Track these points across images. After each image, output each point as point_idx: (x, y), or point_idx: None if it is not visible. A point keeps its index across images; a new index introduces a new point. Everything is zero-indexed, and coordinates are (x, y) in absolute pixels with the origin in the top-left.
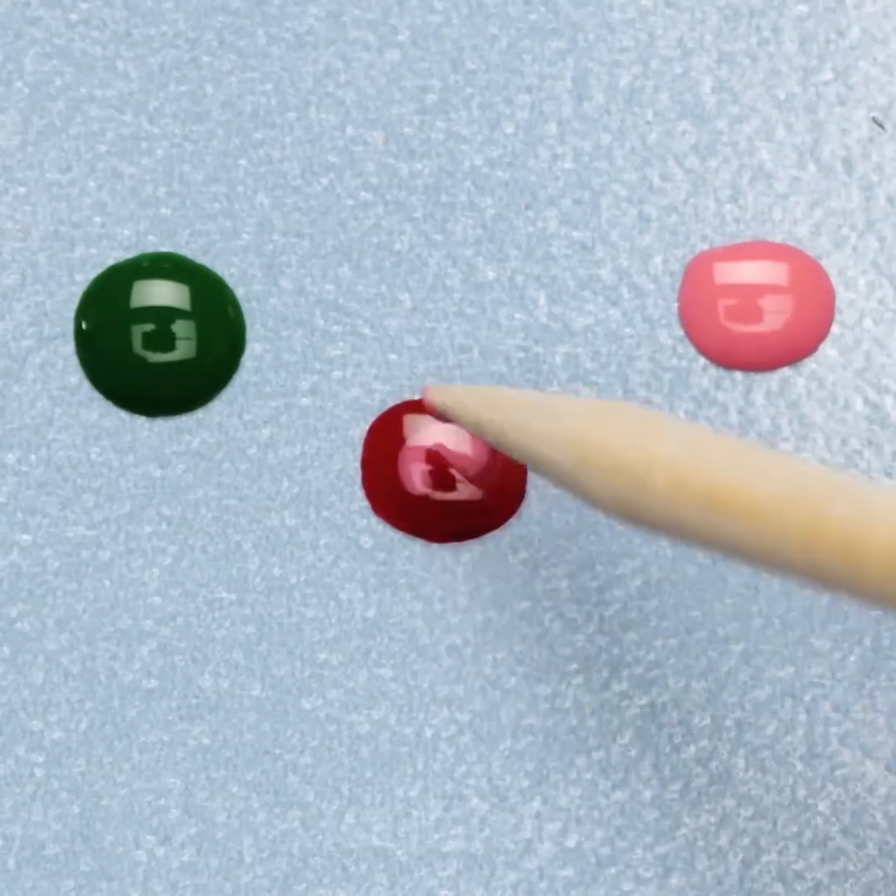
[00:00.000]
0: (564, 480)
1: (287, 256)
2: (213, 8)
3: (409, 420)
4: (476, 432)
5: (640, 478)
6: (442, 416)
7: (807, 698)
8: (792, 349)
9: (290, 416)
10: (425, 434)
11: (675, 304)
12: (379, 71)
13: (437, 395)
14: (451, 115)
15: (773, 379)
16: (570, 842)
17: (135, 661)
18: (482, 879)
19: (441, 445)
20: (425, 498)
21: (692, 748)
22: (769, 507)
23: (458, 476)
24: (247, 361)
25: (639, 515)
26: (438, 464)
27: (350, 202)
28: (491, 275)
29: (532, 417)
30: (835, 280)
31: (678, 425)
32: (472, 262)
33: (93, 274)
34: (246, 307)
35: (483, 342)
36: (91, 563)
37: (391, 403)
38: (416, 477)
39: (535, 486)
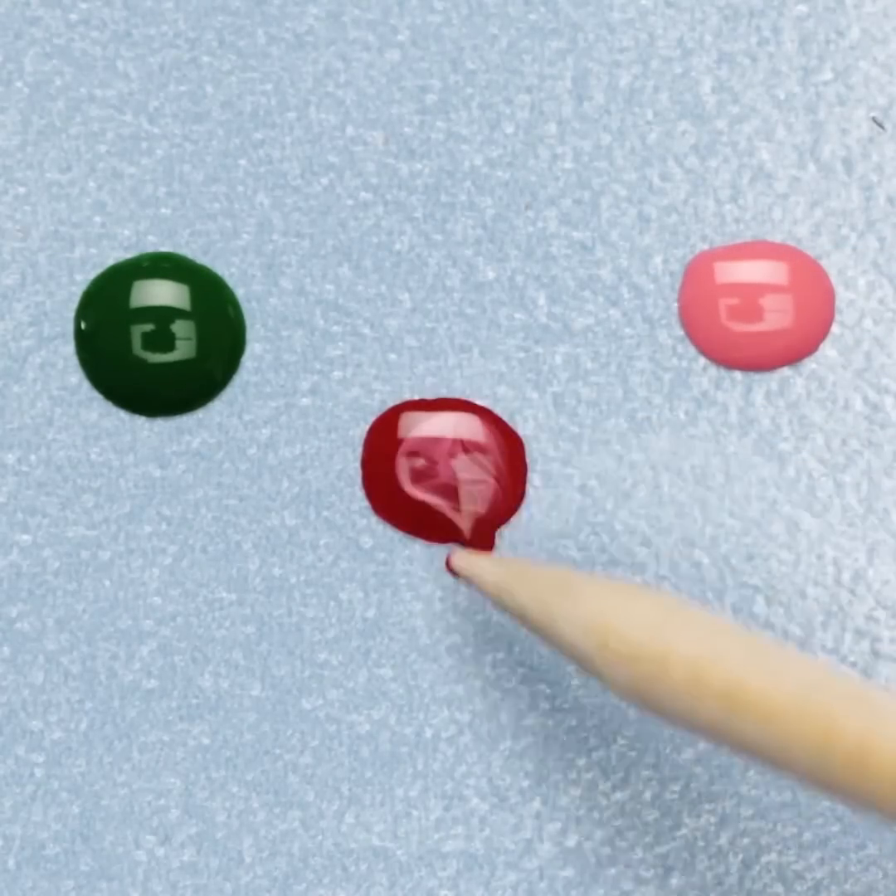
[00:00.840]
0: (582, 662)
1: (287, 256)
2: (213, 8)
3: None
4: (497, 604)
5: (657, 669)
6: (464, 579)
7: None
8: (792, 349)
9: (290, 416)
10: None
11: (675, 304)
12: (379, 71)
13: (463, 563)
14: (451, 115)
15: (773, 379)
16: (570, 842)
17: (135, 661)
18: (482, 879)
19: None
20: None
21: (692, 748)
22: (784, 711)
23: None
24: (247, 361)
25: (654, 704)
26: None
27: (350, 202)
28: (491, 275)
29: (553, 597)
30: (835, 280)
31: (698, 615)
32: (472, 262)
33: (93, 274)
34: (246, 307)
35: (483, 342)
36: (91, 563)
37: (391, 403)
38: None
39: (535, 486)
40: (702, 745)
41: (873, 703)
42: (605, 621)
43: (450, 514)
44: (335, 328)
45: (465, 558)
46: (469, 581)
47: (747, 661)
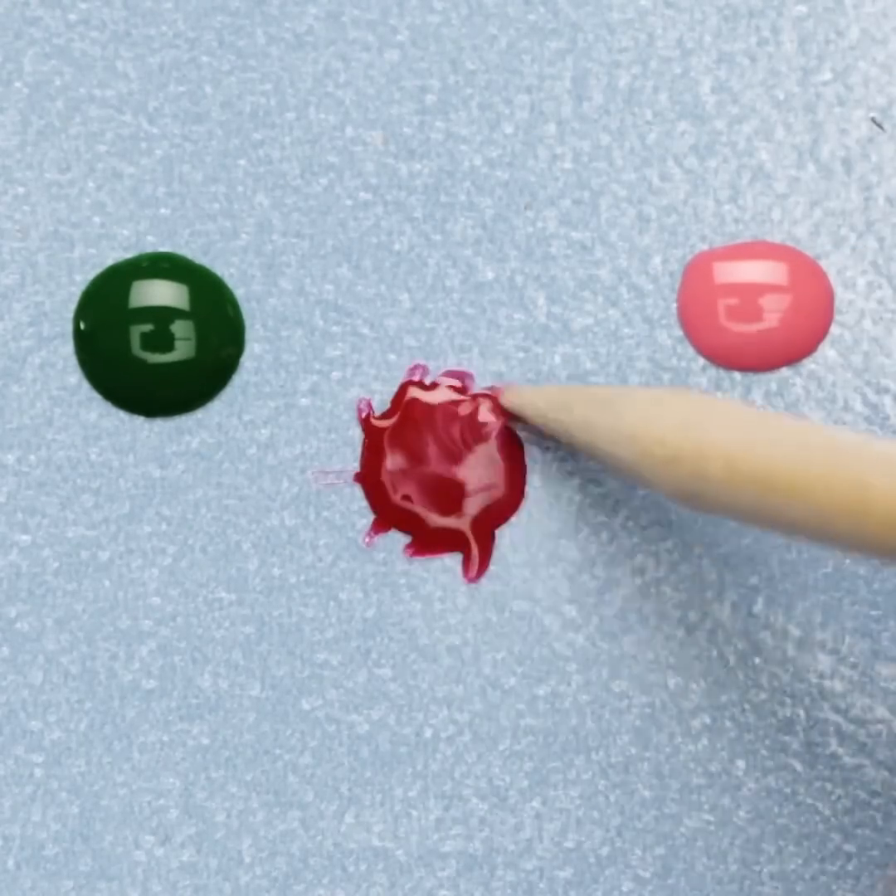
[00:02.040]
0: (629, 473)
1: (287, 256)
2: (212, 8)
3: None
4: (547, 432)
5: (696, 467)
6: (515, 417)
7: (806, 699)
8: (791, 349)
9: (289, 416)
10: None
11: (675, 305)
12: (378, 71)
13: (512, 397)
14: (450, 115)
15: (773, 379)
16: (570, 842)
17: (134, 661)
18: (482, 879)
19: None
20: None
21: (692, 748)
22: (817, 486)
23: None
24: (246, 361)
25: (698, 501)
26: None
27: (349, 202)
28: (490, 275)
29: (594, 415)
30: (834, 280)
31: (731, 408)
32: (471, 262)
33: (92, 274)
34: (245, 307)
35: (483, 342)
36: (91, 563)
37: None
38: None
39: (534, 486)
40: (701, 744)
41: None
42: (644, 430)
43: (431, 518)
44: (335, 328)
45: (513, 391)
46: (518, 414)
47: (779, 443)
